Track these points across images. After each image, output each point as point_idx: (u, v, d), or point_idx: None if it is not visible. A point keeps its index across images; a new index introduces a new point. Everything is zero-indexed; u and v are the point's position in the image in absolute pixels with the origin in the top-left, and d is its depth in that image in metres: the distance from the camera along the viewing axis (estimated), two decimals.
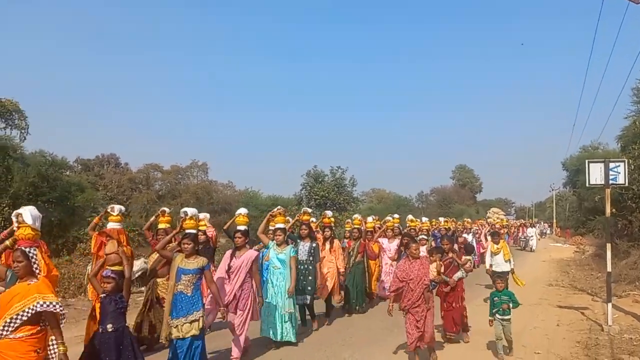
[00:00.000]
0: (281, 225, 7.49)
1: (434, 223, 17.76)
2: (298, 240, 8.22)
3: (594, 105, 58.83)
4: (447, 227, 17.23)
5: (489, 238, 15.19)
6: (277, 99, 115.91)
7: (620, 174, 8.92)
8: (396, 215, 14.40)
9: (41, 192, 16.36)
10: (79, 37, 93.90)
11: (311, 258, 8.05)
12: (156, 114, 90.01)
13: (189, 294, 5.44)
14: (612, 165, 8.97)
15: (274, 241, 7.35)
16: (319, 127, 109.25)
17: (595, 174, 9.06)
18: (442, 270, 6.96)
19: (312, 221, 10.32)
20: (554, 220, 54.16)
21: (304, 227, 8.42)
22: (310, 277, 8.02)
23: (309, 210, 9.42)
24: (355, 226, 10.35)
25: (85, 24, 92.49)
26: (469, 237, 16.83)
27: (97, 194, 21.64)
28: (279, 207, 7.91)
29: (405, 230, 12.47)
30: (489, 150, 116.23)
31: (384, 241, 11.44)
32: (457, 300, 7.41)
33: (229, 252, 6.66)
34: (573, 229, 39.15)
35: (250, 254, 6.48)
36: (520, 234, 30.17)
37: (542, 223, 51.90)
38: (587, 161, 9.45)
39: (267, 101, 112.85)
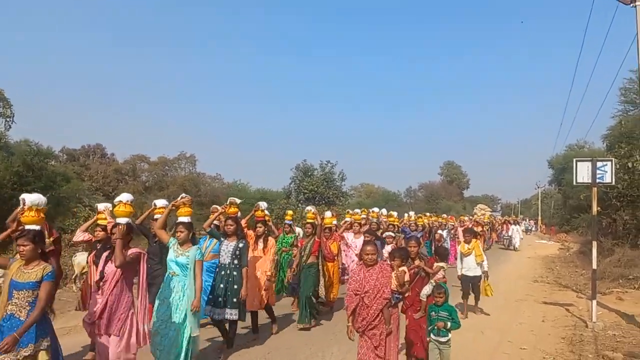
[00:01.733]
0: (185, 219, 5.67)
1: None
2: (222, 239, 6.78)
3: (581, 105, 59.94)
4: (419, 222, 13.73)
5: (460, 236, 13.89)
6: (266, 92, 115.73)
7: (607, 173, 9.02)
8: (375, 209, 13.53)
9: (26, 182, 16.09)
10: (67, 27, 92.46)
11: (236, 261, 6.48)
12: (143, 105, 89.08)
13: (22, 318, 3.83)
14: (599, 164, 9.08)
15: (176, 239, 5.60)
16: (309, 122, 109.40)
17: (582, 173, 9.15)
18: (407, 279, 5.24)
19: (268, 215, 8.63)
20: (539, 217, 55.02)
21: (229, 222, 6.75)
22: (235, 286, 6.41)
23: (237, 201, 7.52)
24: (309, 221, 8.67)
25: (73, 14, 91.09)
26: (444, 234, 15.02)
27: (82, 185, 21.37)
28: (183, 194, 6.08)
29: (375, 228, 10.81)
30: (477, 147, 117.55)
31: (349, 236, 10.12)
32: (422, 322, 5.65)
33: (104, 255, 5.25)
34: (558, 226, 39.87)
35: (131, 253, 5.09)
36: (503, 232, 29.33)
37: (527, 220, 52.57)
38: (574, 160, 9.52)
39: (257, 94, 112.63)
